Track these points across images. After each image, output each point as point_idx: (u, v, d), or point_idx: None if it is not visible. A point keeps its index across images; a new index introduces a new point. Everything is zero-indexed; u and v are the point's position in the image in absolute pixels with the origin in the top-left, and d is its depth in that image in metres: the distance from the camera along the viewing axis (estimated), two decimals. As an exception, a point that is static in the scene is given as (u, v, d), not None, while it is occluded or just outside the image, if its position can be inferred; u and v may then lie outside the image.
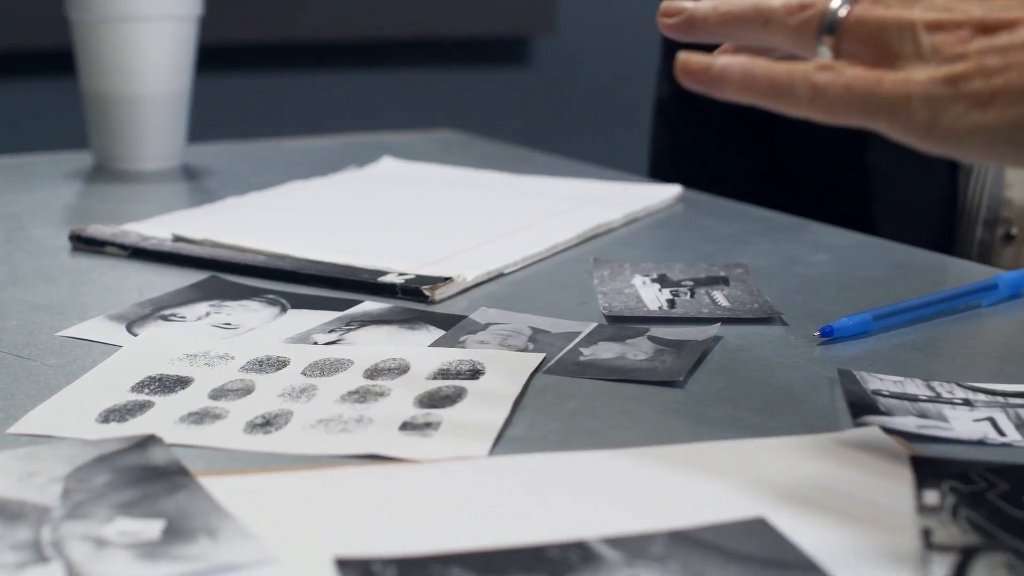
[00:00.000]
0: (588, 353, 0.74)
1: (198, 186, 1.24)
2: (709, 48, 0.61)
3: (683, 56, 0.58)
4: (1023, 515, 0.53)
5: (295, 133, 1.64)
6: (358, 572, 0.48)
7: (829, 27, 0.57)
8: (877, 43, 0.56)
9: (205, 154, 1.36)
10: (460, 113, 2.59)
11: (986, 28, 0.54)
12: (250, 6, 2.47)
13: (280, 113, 2.56)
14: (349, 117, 2.53)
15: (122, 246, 0.96)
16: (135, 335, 0.77)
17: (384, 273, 0.88)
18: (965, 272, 0.99)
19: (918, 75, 0.54)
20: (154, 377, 0.70)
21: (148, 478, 0.56)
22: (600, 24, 2.79)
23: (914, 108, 0.53)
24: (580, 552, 0.50)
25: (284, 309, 0.83)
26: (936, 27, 0.55)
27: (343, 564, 0.49)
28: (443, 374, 0.70)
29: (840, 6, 0.57)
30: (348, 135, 1.53)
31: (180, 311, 0.82)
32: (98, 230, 0.99)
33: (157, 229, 1.00)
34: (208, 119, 1.62)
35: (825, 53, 0.57)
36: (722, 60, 0.57)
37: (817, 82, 0.55)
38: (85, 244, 0.97)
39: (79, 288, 0.87)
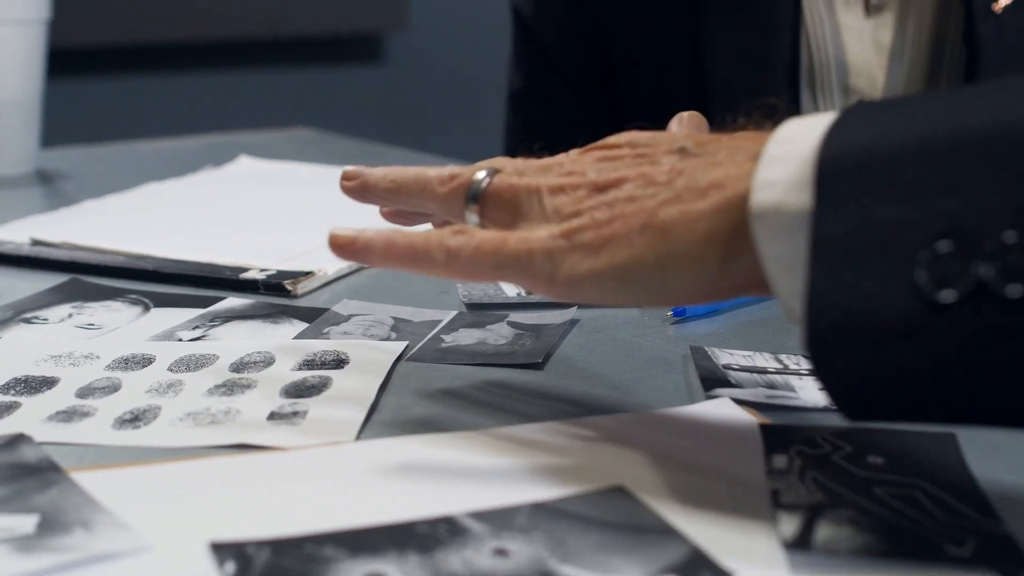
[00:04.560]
0: (449, 340, 0.76)
1: (53, 190, 1.24)
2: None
3: (332, 231, 0.64)
4: (865, 475, 0.56)
5: (148, 136, 1.63)
6: (232, 555, 0.50)
7: (474, 196, 0.64)
8: (511, 207, 0.62)
9: (59, 159, 1.36)
10: (316, 112, 2.59)
11: (599, 187, 0.60)
12: (99, 9, 2.45)
13: (132, 116, 2.54)
14: (202, 119, 2.52)
15: (-21, 251, 0.96)
16: (-3, 338, 0.78)
17: (245, 270, 0.89)
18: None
19: (540, 232, 0.60)
20: (19, 378, 0.70)
21: (19, 475, 0.57)
22: (452, 19, 2.81)
23: (536, 261, 0.59)
24: (448, 527, 0.52)
25: (147, 308, 0.84)
26: (558, 191, 0.61)
27: (217, 548, 0.50)
28: (308, 365, 0.71)
29: (483, 179, 0.64)
30: (203, 136, 1.53)
31: (42, 313, 0.83)
32: (-46, 236, 0.98)
33: (14, 233, 0.99)
34: (60, 124, 1.60)
35: (472, 218, 0.64)
36: (367, 232, 0.63)
37: (451, 246, 0.61)
38: (-59, 251, 0.97)
39: (-63, 294, 0.87)
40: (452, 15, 2.80)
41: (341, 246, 0.63)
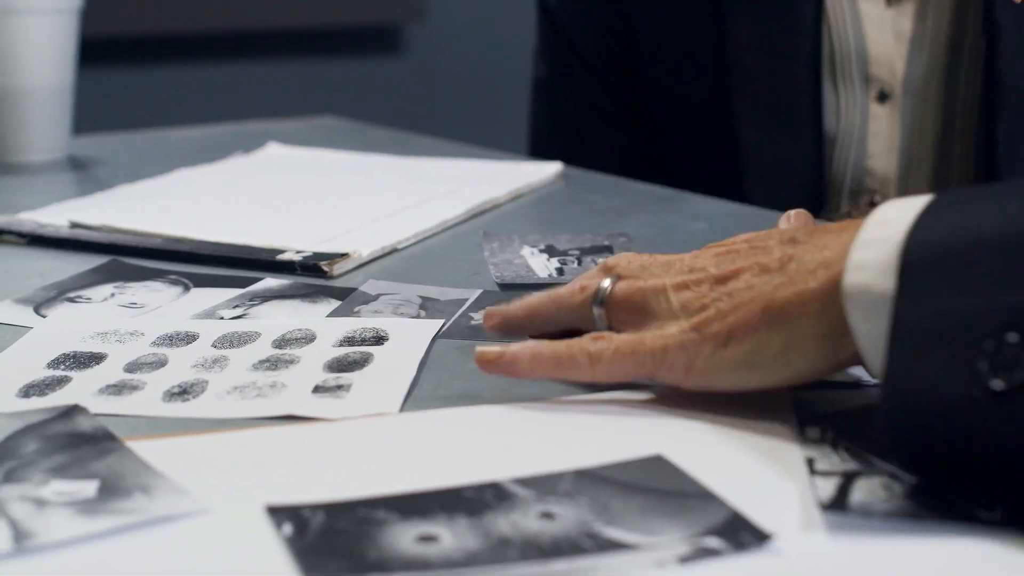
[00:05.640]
0: (478, 317, 0.78)
1: (86, 176, 1.26)
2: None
3: (479, 349, 0.68)
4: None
5: (169, 124, 1.65)
6: (289, 518, 0.52)
7: (600, 301, 0.68)
8: (638, 308, 0.67)
9: (90, 146, 1.38)
10: (334, 102, 2.60)
11: (719, 280, 0.64)
12: (121, 1, 2.47)
13: (153, 105, 2.55)
14: (222, 108, 2.54)
15: (20, 234, 0.98)
16: (44, 316, 0.80)
17: (281, 251, 0.91)
18: (833, 236, 1.04)
19: (672, 328, 0.64)
20: (68, 354, 0.72)
21: (77, 444, 0.59)
22: (470, 12, 2.83)
23: (670, 356, 0.63)
24: (495, 492, 0.54)
25: (187, 288, 0.86)
26: (683, 287, 0.65)
27: (274, 511, 0.52)
28: (349, 341, 0.73)
29: (608, 284, 0.68)
30: (229, 124, 1.55)
31: (85, 293, 0.85)
32: (-6, 219, 1.00)
33: (52, 217, 1.01)
34: (87, 112, 1.62)
35: (600, 321, 0.68)
36: (513, 347, 0.67)
37: (592, 351, 0.65)
38: (-19, 233, 0.99)
39: (-19, 275, 0.89)
40: (470, 7, 2.82)
41: (489, 361, 0.68)
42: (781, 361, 0.61)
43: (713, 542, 0.49)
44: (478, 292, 0.83)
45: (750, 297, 0.62)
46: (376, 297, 0.82)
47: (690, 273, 0.66)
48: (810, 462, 0.56)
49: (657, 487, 0.54)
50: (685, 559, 0.49)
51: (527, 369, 0.67)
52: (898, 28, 1.21)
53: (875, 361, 0.57)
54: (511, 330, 0.73)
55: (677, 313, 0.65)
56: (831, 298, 0.59)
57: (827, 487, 0.53)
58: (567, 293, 0.71)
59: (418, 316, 0.79)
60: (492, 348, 0.68)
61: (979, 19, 1.19)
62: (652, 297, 0.66)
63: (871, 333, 0.57)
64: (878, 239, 0.57)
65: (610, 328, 0.68)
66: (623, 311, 0.68)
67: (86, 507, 0.53)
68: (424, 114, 2.79)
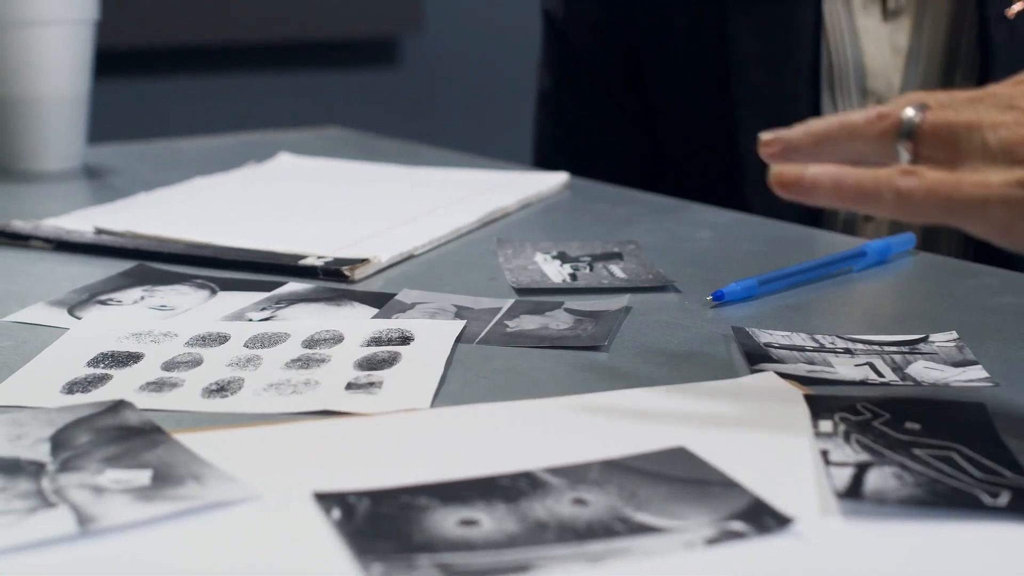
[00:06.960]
0: (513, 325, 0.81)
1: (103, 184, 1.29)
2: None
3: (776, 169, 0.63)
4: (904, 438, 0.61)
5: (174, 134, 1.68)
6: (336, 504, 0.55)
7: (907, 133, 0.62)
8: (950, 144, 0.61)
9: (104, 155, 1.41)
10: (332, 114, 2.64)
11: None
12: (116, 16, 2.50)
13: (153, 116, 2.58)
14: (226, 118, 2.57)
15: (46, 239, 1.01)
16: (78, 318, 0.83)
17: (302, 257, 0.94)
18: (834, 243, 1.08)
19: (994, 178, 0.59)
20: (107, 353, 0.75)
21: (127, 436, 0.62)
22: (467, 23, 2.86)
23: (992, 210, 0.59)
24: (528, 480, 0.57)
25: (214, 292, 0.89)
26: (1002, 126, 0.60)
27: (322, 497, 0.55)
28: (376, 341, 0.77)
29: (915, 114, 0.63)
30: (239, 134, 1.58)
31: (116, 296, 0.88)
32: (20, 225, 1.03)
33: (76, 223, 1.04)
34: (99, 121, 1.65)
35: (904, 155, 0.63)
36: (813, 170, 0.63)
37: (901, 187, 0.60)
38: (8, 239, 1.02)
39: (13, 279, 0.92)
40: (466, 18, 2.86)
41: (787, 184, 0.63)
42: None
43: (738, 526, 0.53)
44: (511, 301, 0.86)
45: None
46: (412, 306, 0.85)
47: (1008, 111, 0.60)
48: (824, 454, 0.59)
49: (682, 476, 0.57)
50: (712, 541, 0.52)
51: (827, 196, 0.62)
52: (895, 42, 1.25)
53: None
54: (793, 157, 0.65)
55: (996, 155, 0.59)
56: None
57: (842, 476, 0.57)
58: (863, 121, 0.64)
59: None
60: (792, 168, 0.62)
61: (973, 34, 1.23)
62: (965, 133, 0.60)
63: None
64: None
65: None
66: (932, 146, 0.61)
67: (142, 494, 0.56)
68: (422, 124, 2.82)
